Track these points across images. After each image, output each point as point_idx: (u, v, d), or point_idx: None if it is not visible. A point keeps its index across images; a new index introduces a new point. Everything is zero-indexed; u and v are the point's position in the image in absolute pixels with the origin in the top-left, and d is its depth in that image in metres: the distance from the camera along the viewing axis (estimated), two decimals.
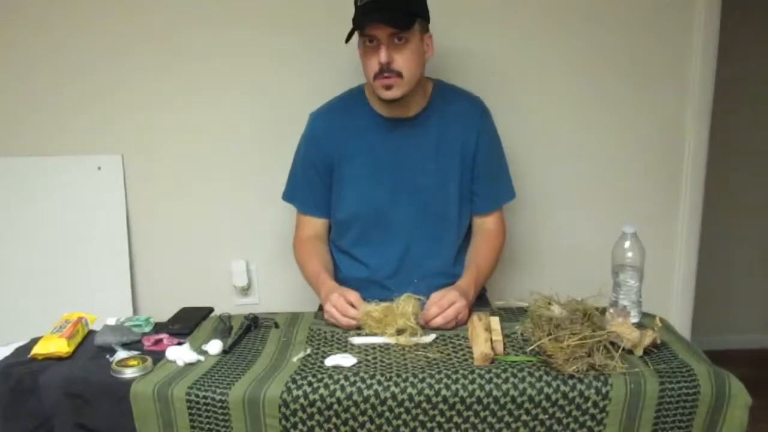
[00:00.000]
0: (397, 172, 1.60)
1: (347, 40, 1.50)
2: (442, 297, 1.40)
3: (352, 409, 1.13)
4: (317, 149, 1.63)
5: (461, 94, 1.67)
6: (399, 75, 1.48)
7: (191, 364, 1.25)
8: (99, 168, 1.97)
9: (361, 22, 1.47)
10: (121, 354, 1.27)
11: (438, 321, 1.37)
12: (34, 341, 1.32)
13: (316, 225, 1.69)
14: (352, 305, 1.39)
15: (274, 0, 1.88)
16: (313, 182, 1.65)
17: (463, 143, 1.61)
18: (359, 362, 1.22)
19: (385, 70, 1.48)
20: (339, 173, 1.62)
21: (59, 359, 1.27)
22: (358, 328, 1.38)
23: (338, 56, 1.65)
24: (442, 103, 1.62)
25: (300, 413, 1.13)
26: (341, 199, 1.64)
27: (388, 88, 1.50)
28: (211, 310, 1.52)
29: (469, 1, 1.90)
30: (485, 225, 1.67)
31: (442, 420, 1.14)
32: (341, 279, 1.63)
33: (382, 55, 1.47)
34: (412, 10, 1.49)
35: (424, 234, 1.62)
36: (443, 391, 1.13)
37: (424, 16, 1.53)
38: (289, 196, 1.72)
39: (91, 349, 1.32)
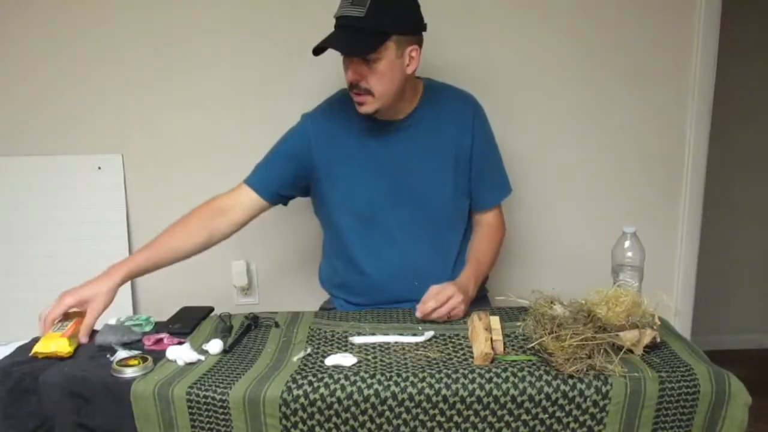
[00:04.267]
0: (391, 173, 1.56)
1: (314, 53, 1.43)
2: (440, 291, 1.39)
3: (353, 409, 1.13)
4: (305, 146, 1.56)
5: (453, 92, 1.63)
6: (369, 93, 1.44)
7: (191, 364, 1.24)
8: (99, 168, 1.97)
9: (323, 42, 1.41)
10: (122, 353, 1.27)
11: (434, 315, 1.37)
12: (35, 340, 1.32)
13: (242, 198, 1.54)
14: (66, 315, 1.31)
15: (274, 3, 1.89)
16: (282, 168, 1.56)
17: (457, 142, 1.58)
18: (359, 362, 1.22)
19: (354, 87, 1.45)
20: (330, 176, 1.57)
21: (60, 359, 1.27)
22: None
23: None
24: (433, 103, 1.58)
25: (300, 413, 1.13)
26: (335, 202, 1.59)
27: (360, 104, 1.47)
28: (211, 309, 1.52)
29: (467, 4, 1.90)
30: (484, 220, 1.66)
31: (443, 419, 1.14)
32: (341, 284, 1.62)
33: (349, 74, 1.44)
34: (383, 27, 1.39)
35: (422, 235, 1.59)
36: (443, 391, 1.13)
37: (402, 30, 1.42)
38: (252, 174, 1.58)
39: (91, 348, 1.32)
